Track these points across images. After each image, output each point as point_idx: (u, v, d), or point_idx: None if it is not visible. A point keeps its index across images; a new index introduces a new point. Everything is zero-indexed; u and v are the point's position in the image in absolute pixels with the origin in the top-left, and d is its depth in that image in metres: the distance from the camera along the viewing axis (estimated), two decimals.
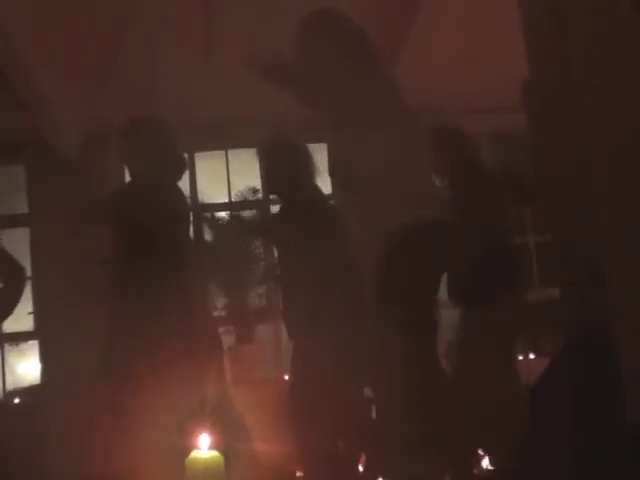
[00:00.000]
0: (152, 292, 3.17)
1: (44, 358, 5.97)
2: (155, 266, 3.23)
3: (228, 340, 4.44)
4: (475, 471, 3.32)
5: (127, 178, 3.84)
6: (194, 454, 1.79)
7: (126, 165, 3.75)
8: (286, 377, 5.93)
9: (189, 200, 3.79)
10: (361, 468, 3.77)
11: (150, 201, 3.32)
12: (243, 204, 5.86)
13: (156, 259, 3.24)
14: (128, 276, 3.33)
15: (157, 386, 3.00)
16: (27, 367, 6.32)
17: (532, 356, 5.19)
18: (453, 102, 5.45)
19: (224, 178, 6.56)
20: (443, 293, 3.62)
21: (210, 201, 6.15)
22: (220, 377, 4.19)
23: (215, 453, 1.79)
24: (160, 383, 3.00)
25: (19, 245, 5.49)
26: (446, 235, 2.96)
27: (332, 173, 3.26)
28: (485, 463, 3.63)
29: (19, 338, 6.14)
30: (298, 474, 4.66)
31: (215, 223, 5.63)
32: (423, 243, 2.88)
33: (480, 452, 3.60)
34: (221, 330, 3.88)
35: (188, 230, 3.68)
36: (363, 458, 3.80)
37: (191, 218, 3.81)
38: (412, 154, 3.04)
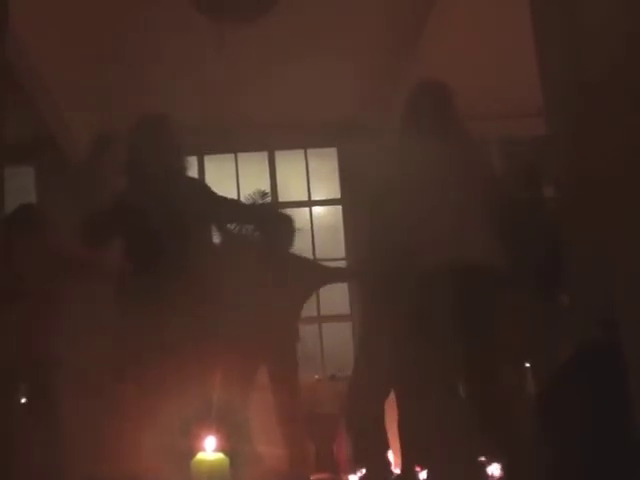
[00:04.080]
0: (158, 297, 3.16)
1: None
2: (161, 268, 3.22)
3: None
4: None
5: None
6: (199, 456, 1.79)
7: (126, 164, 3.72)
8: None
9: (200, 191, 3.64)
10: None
11: (150, 195, 3.30)
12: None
13: (162, 260, 3.23)
14: (134, 279, 3.32)
15: (164, 389, 3.00)
16: None
17: None
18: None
19: (234, 181, 6.57)
20: None
21: None
22: (227, 381, 4.19)
23: (220, 455, 1.79)
24: (167, 386, 3.00)
25: None
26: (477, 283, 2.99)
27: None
28: (491, 470, 3.61)
29: None
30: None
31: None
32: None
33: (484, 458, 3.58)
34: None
35: (196, 226, 3.59)
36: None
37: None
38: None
